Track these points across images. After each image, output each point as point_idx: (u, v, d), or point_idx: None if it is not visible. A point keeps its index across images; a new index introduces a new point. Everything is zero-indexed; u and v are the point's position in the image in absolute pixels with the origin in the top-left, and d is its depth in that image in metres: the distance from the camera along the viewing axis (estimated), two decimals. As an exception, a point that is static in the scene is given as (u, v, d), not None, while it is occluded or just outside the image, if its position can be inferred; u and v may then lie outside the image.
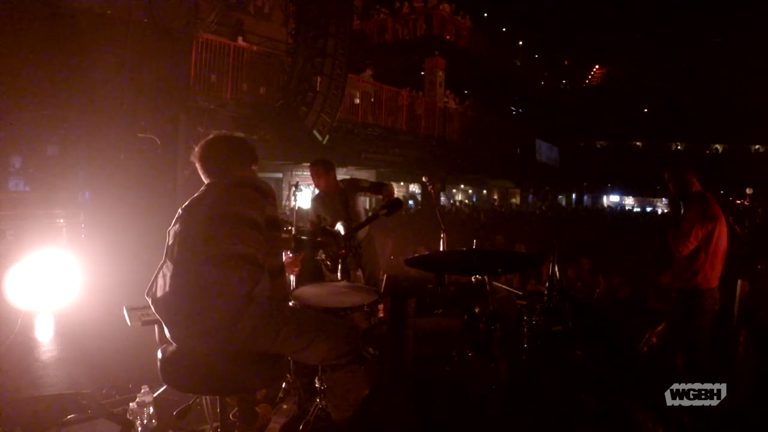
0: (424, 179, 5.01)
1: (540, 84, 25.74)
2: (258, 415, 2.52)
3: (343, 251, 2.73)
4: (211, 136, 2.33)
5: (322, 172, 4.31)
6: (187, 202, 2.17)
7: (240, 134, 2.50)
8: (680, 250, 3.27)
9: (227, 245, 1.94)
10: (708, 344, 3.33)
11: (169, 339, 1.98)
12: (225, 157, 2.23)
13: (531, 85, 24.07)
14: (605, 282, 5.70)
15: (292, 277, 3.03)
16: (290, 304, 2.48)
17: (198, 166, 2.25)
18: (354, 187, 4.39)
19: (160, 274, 2.01)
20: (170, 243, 2.06)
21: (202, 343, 1.89)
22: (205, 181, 2.24)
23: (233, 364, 1.88)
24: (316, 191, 4.60)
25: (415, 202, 21.25)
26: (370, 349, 1.91)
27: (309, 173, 4.56)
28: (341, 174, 4.57)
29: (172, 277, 1.96)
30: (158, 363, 1.96)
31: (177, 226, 2.08)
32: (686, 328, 3.34)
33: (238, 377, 1.91)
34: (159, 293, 1.97)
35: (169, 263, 2.01)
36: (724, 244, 3.36)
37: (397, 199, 3.24)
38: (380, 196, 4.29)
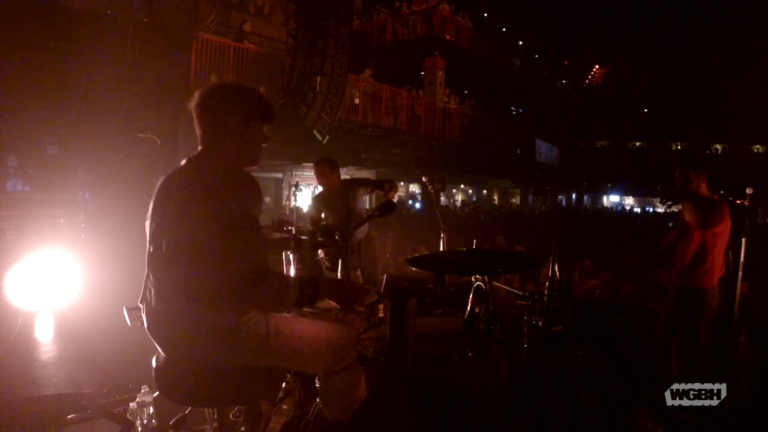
0: (424, 179, 5.02)
1: (540, 84, 25.74)
2: (263, 416, 2.48)
3: (342, 246, 2.72)
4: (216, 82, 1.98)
5: (327, 171, 4.32)
6: (163, 180, 1.89)
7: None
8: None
9: (223, 249, 1.69)
10: (707, 344, 3.32)
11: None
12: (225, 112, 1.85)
13: (531, 85, 24.07)
14: (597, 281, 5.72)
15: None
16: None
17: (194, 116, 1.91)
18: (356, 185, 4.41)
19: (149, 282, 1.84)
20: (150, 242, 1.84)
21: (196, 358, 1.77)
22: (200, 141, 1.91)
23: (230, 377, 1.79)
24: (318, 189, 4.61)
25: (415, 201, 21.28)
26: (370, 349, 1.91)
27: (308, 173, 4.58)
28: (341, 174, 4.59)
29: (157, 284, 1.79)
30: (153, 372, 1.88)
31: (153, 217, 1.84)
32: (688, 327, 3.32)
33: (235, 390, 1.82)
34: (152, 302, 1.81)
35: (152, 267, 1.83)
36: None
37: (390, 201, 3.24)
38: (381, 192, 4.29)
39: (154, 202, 1.85)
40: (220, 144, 1.85)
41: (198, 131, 1.90)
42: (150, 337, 1.84)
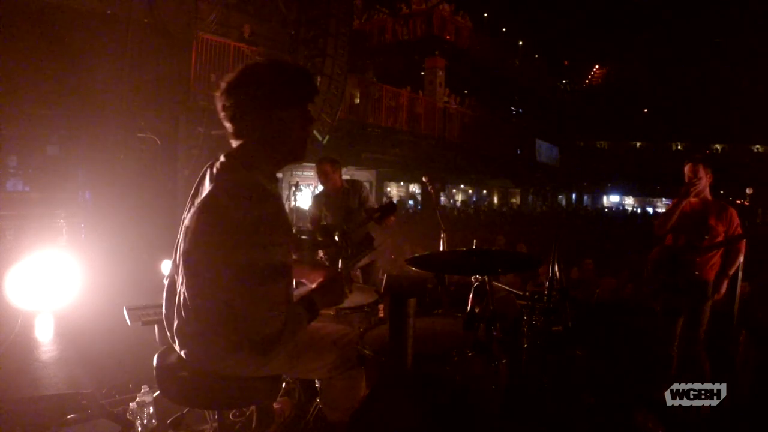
0: (424, 179, 5.02)
1: (540, 84, 25.75)
2: (275, 418, 2.44)
3: (342, 246, 2.71)
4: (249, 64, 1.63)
5: (329, 170, 4.33)
6: (203, 173, 1.72)
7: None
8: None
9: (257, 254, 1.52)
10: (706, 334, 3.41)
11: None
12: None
13: (531, 85, 24.09)
14: (599, 283, 5.73)
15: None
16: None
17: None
18: (358, 191, 4.40)
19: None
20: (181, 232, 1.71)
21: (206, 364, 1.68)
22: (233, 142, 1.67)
23: (231, 381, 1.74)
24: (318, 189, 4.61)
25: (414, 202, 21.29)
26: (370, 349, 1.90)
27: (308, 173, 4.59)
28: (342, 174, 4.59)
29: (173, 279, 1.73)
30: (153, 372, 1.85)
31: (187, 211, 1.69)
32: (693, 314, 3.39)
33: (236, 393, 1.78)
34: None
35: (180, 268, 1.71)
36: None
37: (391, 202, 3.24)
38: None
39: (191, 196, 1.73)
40: (254, 148, 1.62)
41: (228, 130, 1.66)
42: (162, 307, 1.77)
